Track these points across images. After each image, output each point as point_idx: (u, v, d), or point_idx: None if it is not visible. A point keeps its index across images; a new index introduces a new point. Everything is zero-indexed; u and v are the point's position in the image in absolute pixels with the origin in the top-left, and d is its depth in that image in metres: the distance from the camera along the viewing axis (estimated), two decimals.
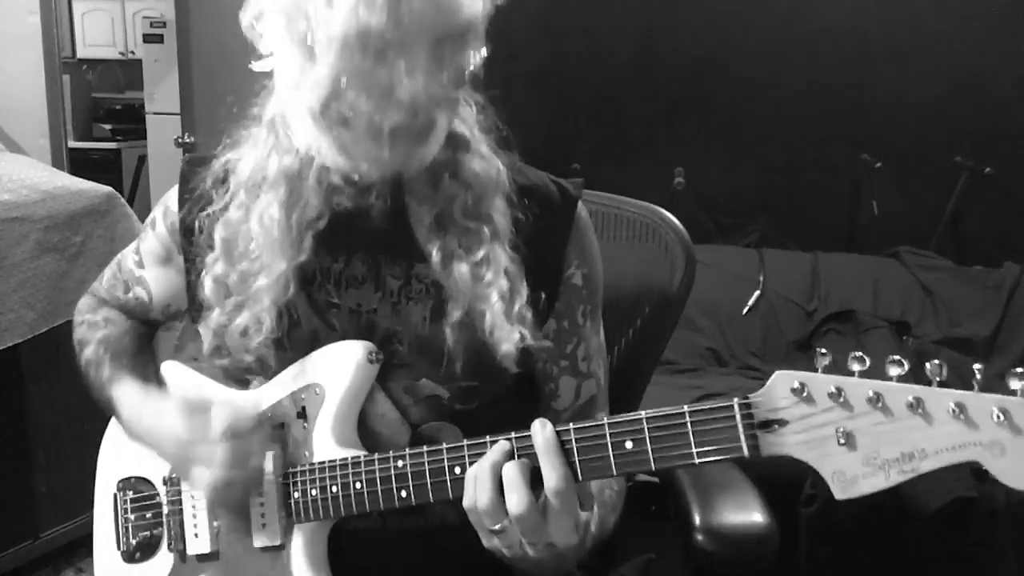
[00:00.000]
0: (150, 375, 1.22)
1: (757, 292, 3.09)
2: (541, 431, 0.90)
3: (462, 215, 1.05)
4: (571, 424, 0.90)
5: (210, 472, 1.02)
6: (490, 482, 0.90)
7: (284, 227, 1.05)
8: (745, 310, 3.07)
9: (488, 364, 1.04)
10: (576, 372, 1.13)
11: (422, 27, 0.90)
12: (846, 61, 3.51)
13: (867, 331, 2.90)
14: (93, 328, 1.26)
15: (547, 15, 3.58)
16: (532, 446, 0.90)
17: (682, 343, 2.96)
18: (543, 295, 1.08)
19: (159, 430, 1.09)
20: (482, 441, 0.93)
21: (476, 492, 0.91)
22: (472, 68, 0.97)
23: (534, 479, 0.89)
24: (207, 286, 1.09)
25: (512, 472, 0.89)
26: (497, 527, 0.90)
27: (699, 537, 1.16)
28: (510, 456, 0.91)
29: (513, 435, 0.92)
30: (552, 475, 0.88)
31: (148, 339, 1.29)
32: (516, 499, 0.88)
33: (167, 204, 1.19)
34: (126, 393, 1.17)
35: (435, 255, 1.04)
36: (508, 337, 1.02)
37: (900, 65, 3.45)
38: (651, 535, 1.33)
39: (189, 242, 1.14)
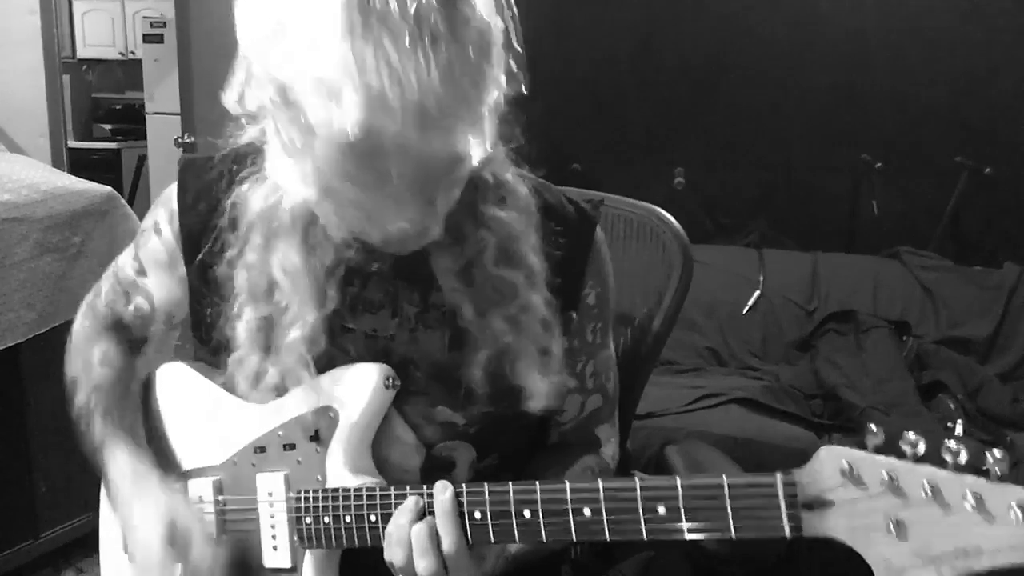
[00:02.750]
0: (137, 419, 1.19)
1: (757, 292, 3.09)
2: (440, 495, 0.92)
3: (493, 264, 1.00)
4: (486, 485, 0.90)
5: None
6: (405, 542, 0.92)
7: (309, 275, 1.01)
8: (745, 310, 3.07)
9: (511, 401, 1.03)
10: (583, 390, 1.13)
11: (407, 179, 0.82)
12: (846, 61, 3.51)
13: (867, 331, 2.90)
14: (87, 368, 1.21)
15: (548, 15, 3.58)
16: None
17: (682, 343, 2.96)
18: (573, 315, 1.07)
19: (134, 536, 1.08)
20: (504, 488, 0.91)
21: (392, 551, 0.93)
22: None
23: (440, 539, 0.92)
24: (240, 335, 1.05)
25: (419, 534, 0.91)
26: None
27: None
28: (420, 514, 0.93)
29: (424, 490, 0.93)
30: (446, 540, 0.91)
31: (135, 367, 1.25)
32: (424, 564, 0.91)
33: (170, 208, 1.13)
34: (115, 467, 1.13)
35: (467, 308, 1.01)
36: (540, 391, 1.02)
37: (900, 65, 3.45)
38: None
39: (197, 264, 1.10)
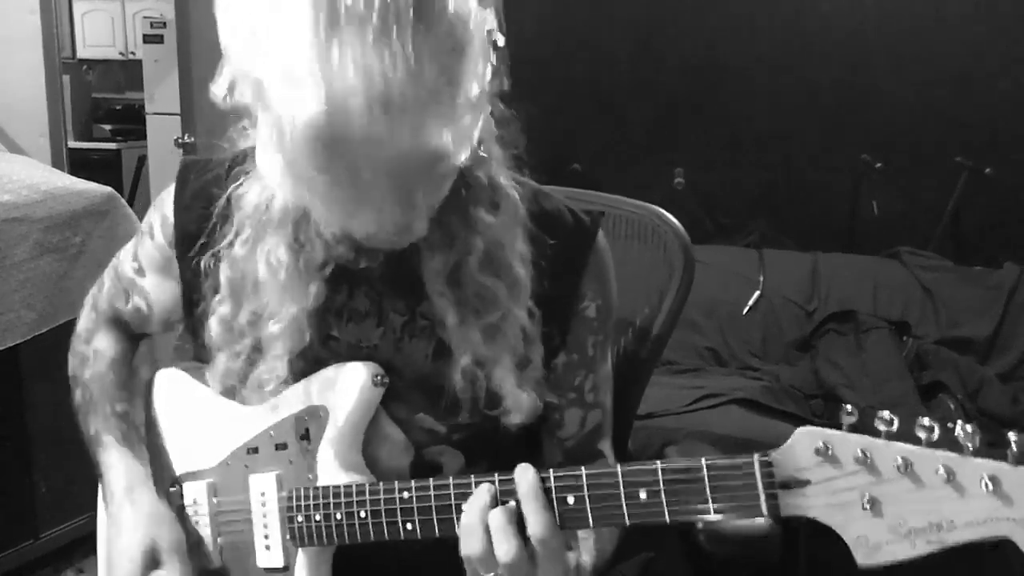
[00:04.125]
0: (133, 411, 1.20)
1: (757, 292, 3.09)
2: (523, 476, 0.88)
3: (478, 270, 0.99)
4: (551, 471, 0.88)
5: None
6: (480, 530, 0.89)
7: (292, 271, 1.01)
8: (745, 310, 3.07)
9: (490, 414, 1.03)
10: (583, 404, 1.11)
11: (379, 173, 0.80)
12: (846, 61, 3.51)
13: (867, 331, 2.90)
14: (83, 365, 1.23)
15: (547, 15, 3.58)
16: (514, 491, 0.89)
17: (682, 343, 2.96)
18: (555, 331, 1.06)
19: (117, 542, 1.10)
20: (490, 479, 0.91)
21: (468, 542, 0.90)
22: (462, 160, 0.88)
23: (521, 524, 0.88)
24: (213, 329, 1.06)
25: (499, 520, 0.88)
26: (491, 575, 0.90)
27: (701, 537, 1.16)
28: (494, 500, 0.90)
29: (496, 476, 0.90)
30: (535, 522, 0.87)
31: (132, 358, 1.26)
32: (506, 549, 0.87)
33: (163, 213, 1.14)
34: (109, 471, 1.16)
35: (450, 316, 1.00)
36: (518, 405, 1.01)
37: (900, 65, 3.45)
38: (649, 533, 1.33)
39: (190, 265, 1.10)
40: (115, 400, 1.20)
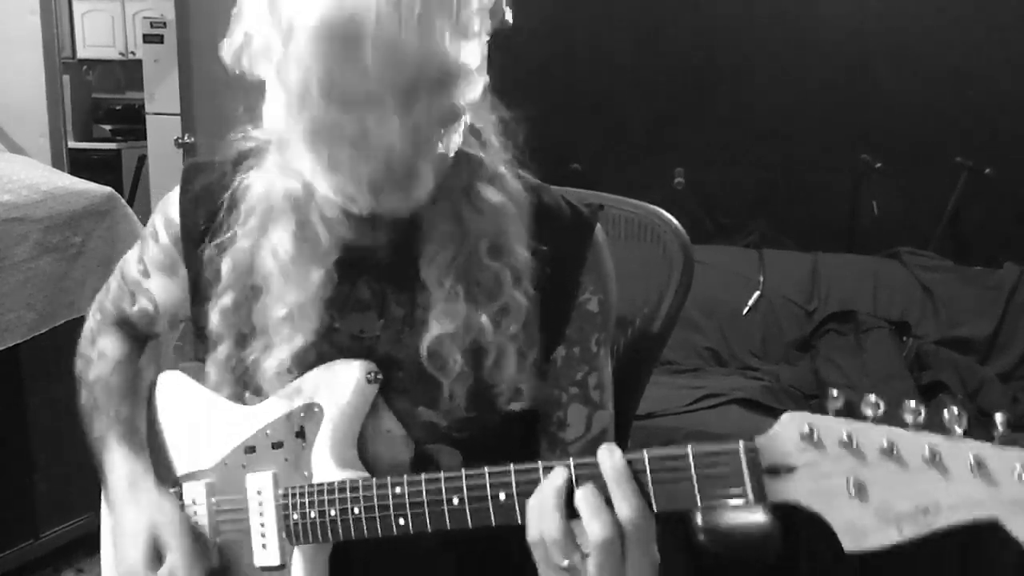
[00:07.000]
0: (137, 413, 1.20)
1: (757, 292, 3.09)
2: (610, 457, 0.83)
3: (487, 254, 1.00)
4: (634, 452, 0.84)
5: None
6: (557, 511, 0.83)
7: (297, 258, 1.01)
8: (745, 310, 3.07)
9: (490, 402, 1.03)
10: (588, 401, 1.08)
11: (386, 79, 0.83)
12: (846, 61, 3.51)
13: (867, 331, 2.90)
14: (88, 365, 1.24)
15: (548, 15, 3.58)
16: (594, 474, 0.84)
17: (682, 343, 2.96)
18: (554, 323, 1.06)
19: (121, 543, 1.11)
20: (479, 472, 0.90)
21: (542, 524, 0.84)
22: (466, 103, 0.90)
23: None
24: (214, 320, 1.07)
25: (589, 497, 0.82)
26: (565, 563, 0.84)
27: (701, 537, 1.16)
28: (570, 483, 0.84)
29: (571, 462, 0.85)
30: (625, 506, 0.81)
31: (138, 359, 1.26)
32: (599, 525, 0.81)
33: (167, 214, 1.15)
34: (112, 469, 1.16)
35: (461, 305, 0.99)
36: (518, 392, 1.02)
37: (900, 65, 3.45)
38: None
39: (196, 261, 1.11)
40: (119, 403, 1.20)
